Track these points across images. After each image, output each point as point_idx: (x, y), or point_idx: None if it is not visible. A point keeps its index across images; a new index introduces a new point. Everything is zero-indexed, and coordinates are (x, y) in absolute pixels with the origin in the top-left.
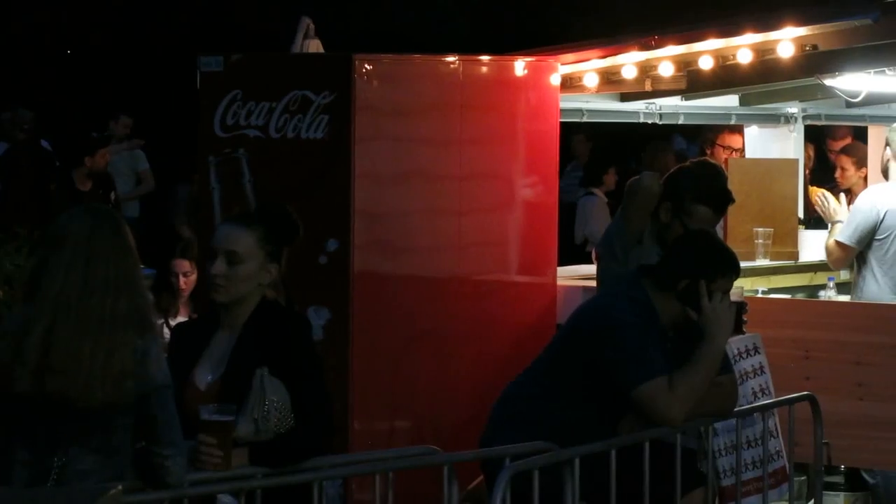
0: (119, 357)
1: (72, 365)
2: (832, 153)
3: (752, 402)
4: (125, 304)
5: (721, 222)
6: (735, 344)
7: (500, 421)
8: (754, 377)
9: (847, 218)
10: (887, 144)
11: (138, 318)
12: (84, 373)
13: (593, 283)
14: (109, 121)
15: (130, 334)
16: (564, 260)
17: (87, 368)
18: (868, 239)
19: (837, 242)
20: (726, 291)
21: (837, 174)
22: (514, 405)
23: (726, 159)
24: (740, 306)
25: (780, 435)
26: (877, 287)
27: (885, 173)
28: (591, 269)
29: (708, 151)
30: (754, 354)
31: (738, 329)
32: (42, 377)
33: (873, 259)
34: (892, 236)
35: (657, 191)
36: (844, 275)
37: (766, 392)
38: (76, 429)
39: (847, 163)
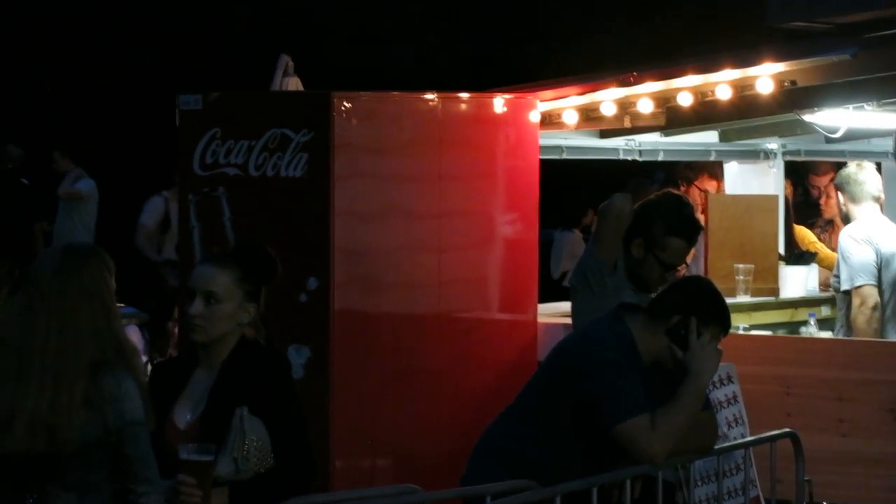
0: (66, 402)
1: (10, 416)
2: (815, 188)
3: (725, 432)
4: (65, 347)
5: (701, 258)
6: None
7: (481, 459)
8: (728, 406)
9: (849, 267)
10: (839, 190)
11: (105, 356)
12: (23, 424)
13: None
14: (53, 154)
15: (83, 377)
16: (542, 295)
17: (22, 418)
18: (877, 271)
19: (863, 288)
20: (716, 337)
21: (822, 201)
22: (495, 443)
23: (705, 195)
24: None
25: (753, 464)
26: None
27: (846, 219)
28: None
29: (683, 188)
30: (728, 384)
31: None
32: None
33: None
34: (889, 266)
35: (629, 212)
36: (826, 311)
37: (740, 421)
38: (51, 466)
39: (833, 191)
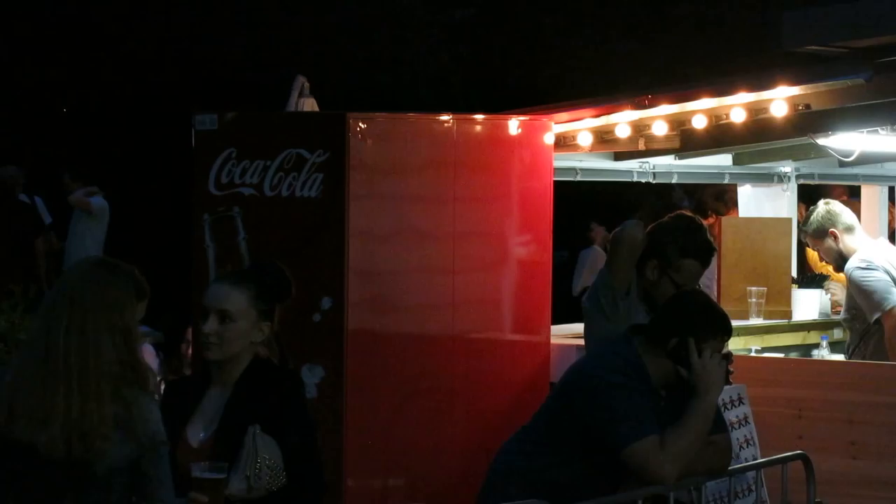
0: (95, 409)
1: (37, 412)
2: None
3: (737, 453)
4: (98, 357)
5: (714, 280)
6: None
7: (495, 478)
8: (739, 427)
9: (871, 294)
10: (830, 232)
11: (125, 375)
12: (51, 423)
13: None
14: (64, 178)
15: (107, 387)
16: (563, 312)
17: (54, 418)
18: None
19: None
20: (717, 351)
21: None
22: (509, 462)
23: (719, 218)
24: (725, 357)
25: (765, 485)
26: None
27: (840, 257)
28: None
29: (712, 219)
30: (739, 405)
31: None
32: (13, 418)
33: None
34: None
35: (641, 238)
36: (838, 334)
37: (751, 442)
38: (73, 485)
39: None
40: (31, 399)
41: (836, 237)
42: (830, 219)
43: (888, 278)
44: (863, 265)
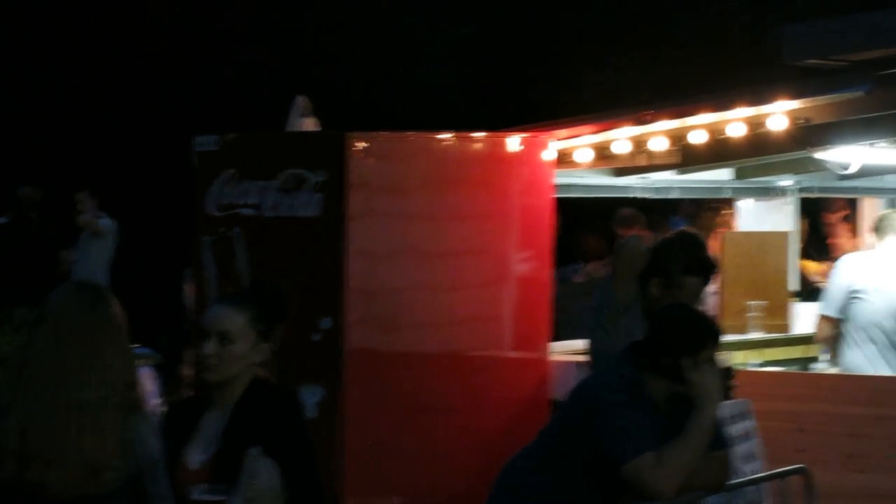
0: (108, 443)
1: (51, 453)
2: (828, 225)
3: (739, 467)
4: (101, 387)
5: (715, 295)
6: (724, 410)
7: (502, 494)
8: (742, 443)
9: (825, 293)
10: (877, 229)
11: (119, 400)
12: (65, 463)
13: (586, 358)
14: (80, 195)
15: (117, 417)
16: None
17: (68, 458)
18: (846, 304)
19: (820, 317)
20: (710, 360)
21: (829, 240)
22: (515, 479)
23: (718, 233)
24: (725, 372)
25: (771, 500)
26: (858, 353)
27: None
28: (584, 344)
29: (721, 230)
30: (743, 420)
31: (725, 395)
32: (23, 464)
33: (850, 326)
34: (863, 297)
35: (644, 253)
36: None
37: (755, 458)
38: None
39: (843, 230)
40: (43, 442)
41: (869, 235)
42: (878, 219)
43: (844, 292)
44: (843, 266)
